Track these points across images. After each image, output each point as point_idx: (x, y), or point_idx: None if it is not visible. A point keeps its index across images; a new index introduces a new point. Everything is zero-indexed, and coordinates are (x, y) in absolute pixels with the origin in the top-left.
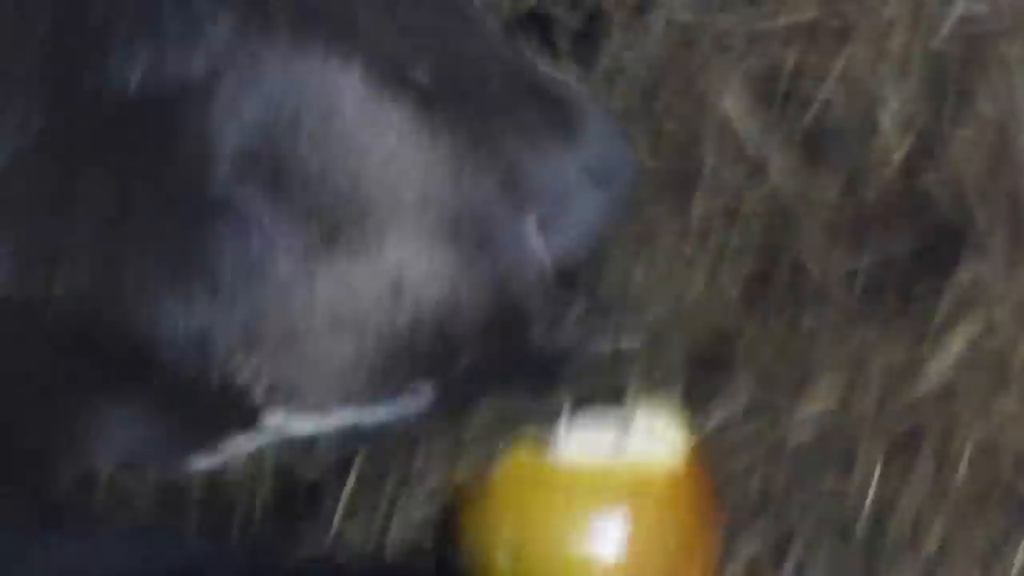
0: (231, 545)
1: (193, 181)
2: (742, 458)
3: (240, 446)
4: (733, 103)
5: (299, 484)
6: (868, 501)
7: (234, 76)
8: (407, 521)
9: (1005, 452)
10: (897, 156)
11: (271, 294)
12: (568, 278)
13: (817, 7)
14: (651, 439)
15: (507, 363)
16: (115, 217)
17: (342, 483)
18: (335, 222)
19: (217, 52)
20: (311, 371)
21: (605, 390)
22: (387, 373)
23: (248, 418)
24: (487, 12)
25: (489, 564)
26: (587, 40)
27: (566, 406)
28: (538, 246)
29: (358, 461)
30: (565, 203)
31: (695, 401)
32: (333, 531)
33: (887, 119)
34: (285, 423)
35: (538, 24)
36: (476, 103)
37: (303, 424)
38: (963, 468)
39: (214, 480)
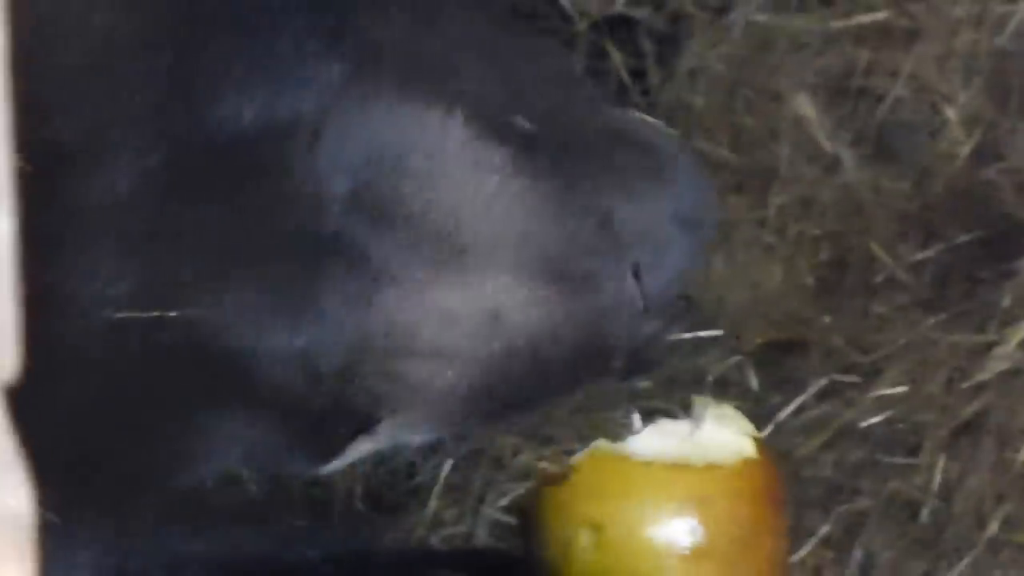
0: (332, 523)
1: (303, 216)
2: (815, 439)
3: (358, 452)
4: (808, 100)
5: (398, 465)
6: (935, 481)
7: (343, 117)
8: (497, 502)
9: None
10: (963, 150)
11: (375, 322)
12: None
13: (888, 8)
14: (722, 430)
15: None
16: (226, 246)
17: (438, 466)
18: (438, 257)
19: (328, 94)
20: (414, 392)
21: (683, 378)
22: (484, 396)
23: (358, 430)
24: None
25: (570, 545)
26: (669, 40)
27: (644, 395)
28: (632, 287)
29: (452, 446)
30: (658, 248)
31: (770, 385)
32: (429, 511)
33: (954, 115)
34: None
35: (623, 25)
36: (574, 149)
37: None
38: None
39: None
